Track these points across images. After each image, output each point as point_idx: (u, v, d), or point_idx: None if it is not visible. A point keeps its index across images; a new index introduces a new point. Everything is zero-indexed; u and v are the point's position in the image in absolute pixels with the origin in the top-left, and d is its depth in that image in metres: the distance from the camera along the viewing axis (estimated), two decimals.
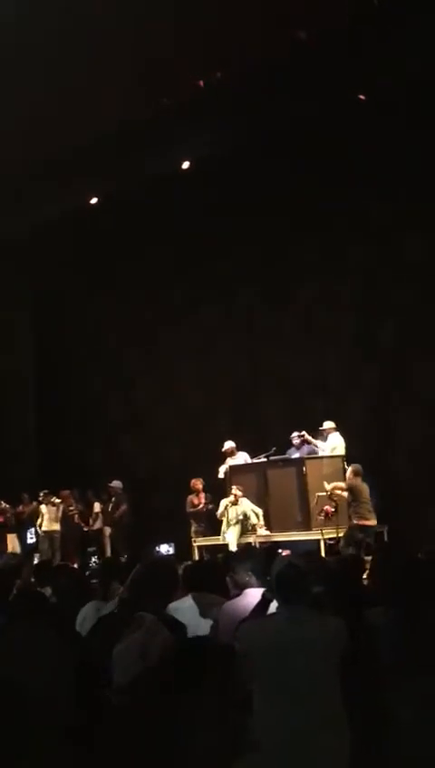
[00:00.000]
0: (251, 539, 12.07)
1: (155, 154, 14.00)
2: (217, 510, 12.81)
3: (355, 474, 11.42)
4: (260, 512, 12.33)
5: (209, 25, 11.05)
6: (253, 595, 4.70)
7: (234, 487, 12.53)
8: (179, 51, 11.59)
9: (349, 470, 11.59)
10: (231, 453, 13.25)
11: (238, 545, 11.81)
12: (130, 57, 11.46)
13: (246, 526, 12.31)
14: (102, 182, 15.05)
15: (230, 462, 13.16)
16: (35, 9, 10.25)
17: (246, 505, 12.37)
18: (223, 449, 13.26)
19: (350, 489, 11.27)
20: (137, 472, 16.05)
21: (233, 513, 12.36)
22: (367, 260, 13.81)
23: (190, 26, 11.07)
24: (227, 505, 12.50)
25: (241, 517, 12.32)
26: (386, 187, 13.27)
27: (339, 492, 11.48)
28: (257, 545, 11.60)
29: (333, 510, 11.65)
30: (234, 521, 12.31)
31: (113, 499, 14.94)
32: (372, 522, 11.15)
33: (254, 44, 11.69)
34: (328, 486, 11.66)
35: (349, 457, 12.29)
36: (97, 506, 15.66)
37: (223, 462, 13.17)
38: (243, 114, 13.07)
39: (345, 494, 11.31)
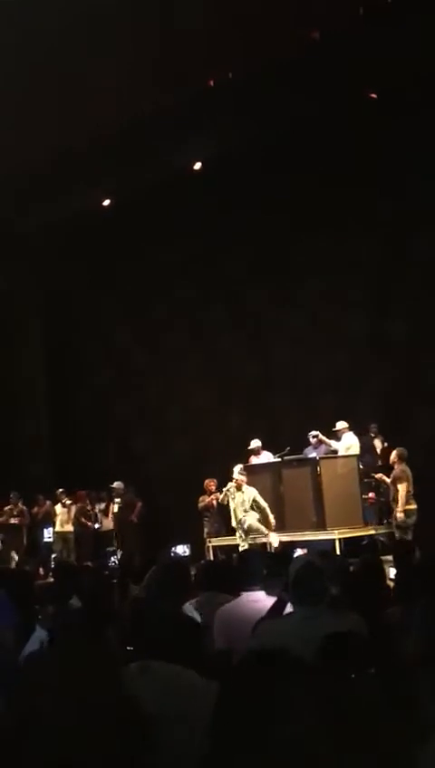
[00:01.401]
0: (265, 539, 11.96)
1: (164, 154, 14.01)
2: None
3: (401, 458, 11.33)
4: (265, 506, 11.85)
5: (212, 25, 11.04)
6: (250, 599, 4.65)
7: (236, 471, 12.26)
8: (185, 51, 11.57)
9: (394, 454, 11.45)
10: (257, 452, 13.15)
11: (251, 546, 11.65)
12: (136, 57, 11.45)
13: (252, 527, 11.96)
14: (110, 182, 15.07)
15: (254, 460, 13.07)
16: (36, 8, 10.26)
17: (250, 493, 11.88)
18: (249, 447, 13.12)
19: (400, 477, 11.20)
20: (149, 471, 16.04)
21: (239, 498, 11.97)
22: (376, 257, 13.73)
23: (195, 27, 11.06)
24: (229, 490, 12.14)
25: (246, 518, 11.96)
26: (395, 184, 13.21)
27: (386, 480, 11.43)
28: (273, 545, 11.53)
29: (375, 498, 11.69)
30: (241, 509, 11.91)
31: (117, 500, 14.94)
32: (414, 505, 11.17)
33: (259, 44, 11.65)
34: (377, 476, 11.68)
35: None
36: (114, 506, 15.68)
37: (247, 460, 13.06)
38: (249, 113, 13.06)
39: (403, 486, 11.17)
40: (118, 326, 17.20)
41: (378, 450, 12.79)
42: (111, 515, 15.69)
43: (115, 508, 15.03)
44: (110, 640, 4.41)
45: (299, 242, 14.51)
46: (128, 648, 4.34)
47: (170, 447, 16.10)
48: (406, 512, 11.17)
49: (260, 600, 4.64)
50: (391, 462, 11.52)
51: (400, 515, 11.26)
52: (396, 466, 11.42)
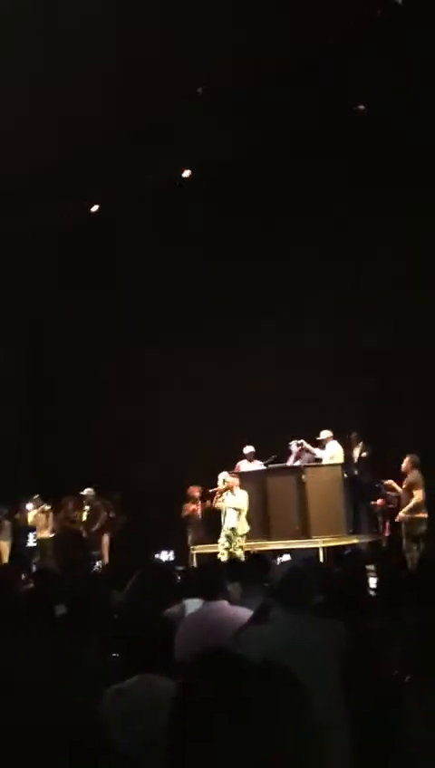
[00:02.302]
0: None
1: (164, 155, 14.00)
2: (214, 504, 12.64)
3: (414, 465, 11.26)
4: (244, 509, 12.00)
5: (212, 30, 11.08)
6: (211, 609, 4.60)
7: (223, 476, 12.24)
8: (185, 53, 11.58)
9: (407, 461, 11.31)
10: (250, 458, 13.19)
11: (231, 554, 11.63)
12: (136, 58, 11.44)
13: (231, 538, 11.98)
14: (110, 183, 15.02)
15: (246, 466, 13.06)
16: (37, 8, 10.26)
17: (241, 497, 12.04)
18: (244, 451, 13.20)
19: (416, 483, 11.11)
20: (136, 481, 15.92)
21: (231, 501, 12.02)
22: (379, 265, 13.69)
23: (194, 30, 11.08)
24: (222, 493, 12.27)
25: (238, 526, 11.99)
26: (396, 192, 13.21)
27: (397, 487, 11.37)
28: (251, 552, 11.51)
29: (386, 504, 11.61)
30: (233, 513, 11.99)
31: (87, 507, 14.89)
32: (425, 513, 11.08)
33: (259, 51, 11.69)
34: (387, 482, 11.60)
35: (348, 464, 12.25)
36: (83, 514, 15.59)
37: (235, 466, 13.03)
38: (249, 118, 13.05)
39: (419, 492, 11.05)
40: (117, 329, 17.02)
41: (356, 460, 12.71)
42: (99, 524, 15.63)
43: (84, 516, 14.99)
44: (93, 647, 4.39)
45: (294, 245, 14.45)
46: (113, 654, 4.32)
47: (159, 456, 15.90)
48: (419, 520, 11.07)
49: (222, 609, 4.60)
50: (403, 469, 11.33)
51: (403, 515, 11.19)
52: (410, 473, 11.29)
